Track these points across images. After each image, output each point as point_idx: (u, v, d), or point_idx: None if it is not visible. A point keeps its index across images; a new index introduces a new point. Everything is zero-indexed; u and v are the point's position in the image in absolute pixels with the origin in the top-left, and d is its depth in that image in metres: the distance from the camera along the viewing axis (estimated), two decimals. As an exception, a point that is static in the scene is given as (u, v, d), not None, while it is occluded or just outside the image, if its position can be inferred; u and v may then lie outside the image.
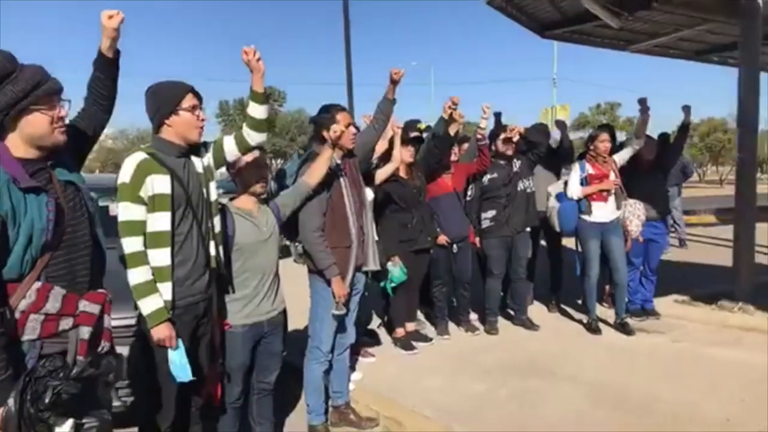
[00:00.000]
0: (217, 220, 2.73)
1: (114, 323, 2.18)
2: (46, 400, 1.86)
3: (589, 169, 5.17)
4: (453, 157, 5.22)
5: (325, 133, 3.43)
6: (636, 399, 3.81)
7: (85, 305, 2.03)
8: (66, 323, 1.99)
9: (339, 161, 3.52)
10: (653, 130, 6.43)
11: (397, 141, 4.55)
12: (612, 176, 5.09)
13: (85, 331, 2.01)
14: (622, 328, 5.17)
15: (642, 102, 5.17)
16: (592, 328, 5.24)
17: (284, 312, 3.20)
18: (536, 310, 5.92)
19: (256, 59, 2.67)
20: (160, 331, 2.46)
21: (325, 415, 3.66)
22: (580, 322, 5.55)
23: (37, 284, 1.93)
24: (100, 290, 2.11)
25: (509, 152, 5.25)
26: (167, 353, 2.49)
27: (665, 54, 8.36)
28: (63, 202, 2.02)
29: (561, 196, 5.29)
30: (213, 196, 2.71)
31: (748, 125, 5.69)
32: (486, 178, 5.24)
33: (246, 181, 3.02)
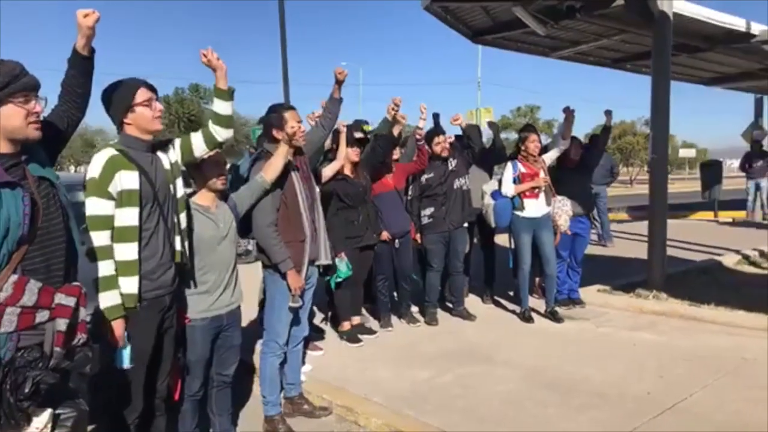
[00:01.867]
0: (183, 216, 2.78)
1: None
2: (26, 390, 1.89)
3: (521, 168, 5.50)
4: (394, 157, 5.43)
5: (275, 132, 3.54)
6: (567, 379, 4.13)
7: (61, 298, 2.05)
8: (42, 316, 2.01)
9: (291, 158, 3.62)
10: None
11: (343, 140, 4.70)
12: (542, 174, 5.46)
13: (62, 323, 2.03)
14: (552, 316, 5.55)
15: (566, 109, 5.58)
16: (525, 316, 5.59)
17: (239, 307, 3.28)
18: (472, 302, 6.22)
19: (216, 59, 2.76)
20: (117, 326, 2.51)
21: (280, 406, 3.76)
22: (513, 311, 5.89)
23: (14, 277, 1.95)
24: (75, 283, 2.14)
25: (444, 153, 5.51)
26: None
27: (585, 61, 8.94)
28: (37, 197, 2.04)
29: (496, 194, 5.60)
30: (179, 192, 2.76)
31: (660, 128, 6.22)
32: (424, 177, 5.49)
33: (206, 176, 3.09)
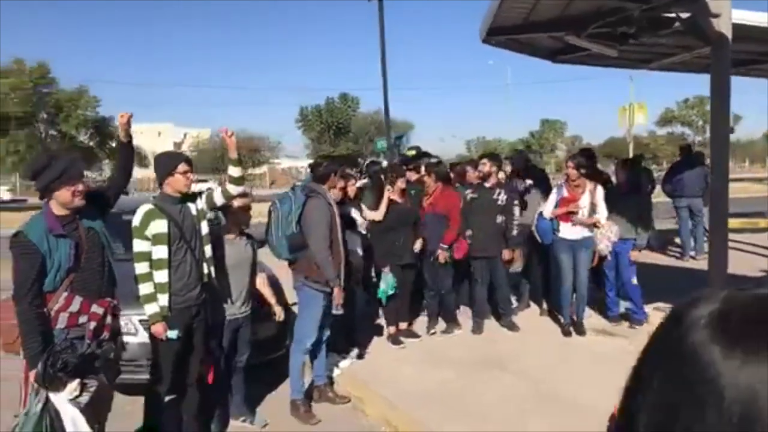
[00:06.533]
0: (208, 248, 3.84)
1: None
2: (57, 365, 3.00)
3: (564, 193, 5.84)
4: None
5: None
6: (566, 394, 4.49)
7: (95, 308, 3.19)
8: (83, 318, 3.16)
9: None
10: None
11: (386, 193, 5.56)
12: (581, 202, 5.72)
13: (92, 324, 3.17)
14: (577, 328, 5.88)
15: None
16: (565, 330, 5.92)
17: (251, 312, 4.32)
18: (530, 312, 6.72)
19: (229, 136, 3.87)
20: (156, 328, 3.64)
21: (305, 392, 4.66)
22: (559, 323, 6.20)
23: (65, 294, 3.11)
24: (108, 299, 3.27)
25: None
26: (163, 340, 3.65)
27: (686, 69, 8.54)
28: (83, 242, 3.18)
29: (540, 215, 5.99)
30: (204, 231, 3.82)
31: (719, 153, 6.03)
32: (468, 196, 6.07)
33: (235, 219, 4.19)
